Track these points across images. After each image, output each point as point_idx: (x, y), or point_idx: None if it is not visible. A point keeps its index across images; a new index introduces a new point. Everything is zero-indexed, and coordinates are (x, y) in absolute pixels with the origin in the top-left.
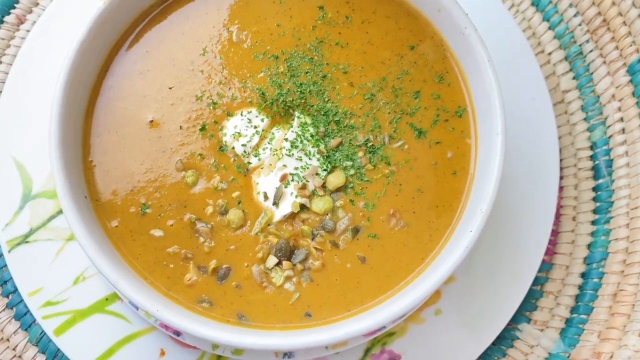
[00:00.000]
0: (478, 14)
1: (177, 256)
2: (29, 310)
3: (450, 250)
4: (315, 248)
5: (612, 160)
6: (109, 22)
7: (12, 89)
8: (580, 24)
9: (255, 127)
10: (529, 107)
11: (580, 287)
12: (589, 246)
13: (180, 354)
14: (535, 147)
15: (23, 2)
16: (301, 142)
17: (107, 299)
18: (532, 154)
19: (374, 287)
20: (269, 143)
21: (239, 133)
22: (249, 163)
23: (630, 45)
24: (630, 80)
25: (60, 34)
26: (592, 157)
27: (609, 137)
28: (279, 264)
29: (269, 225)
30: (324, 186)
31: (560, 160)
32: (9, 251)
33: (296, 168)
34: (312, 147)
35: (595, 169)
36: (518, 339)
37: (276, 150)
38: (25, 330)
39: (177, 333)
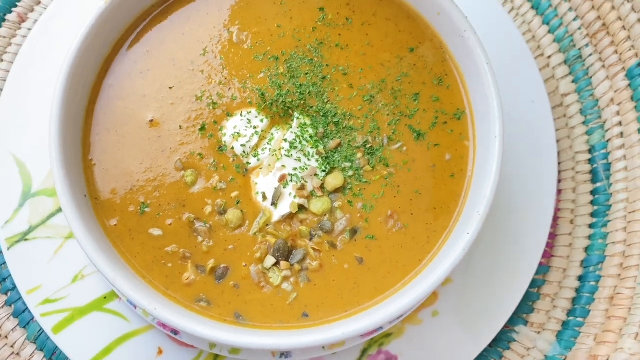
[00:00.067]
0: (478, 17)
1: (175, 255)
2: (27, 308)
3: (448, 252)
4: (313, 249)
5: (610, 163)
6: (110, 21)
7: (13, 87)
8: (579, 28)
9: (255, 127)
10: (528, 110)
11: (577, 290)
12: (587, 249)
13: (177, 352)
14: (534, 150)
15: (25, 0)
16: (300, 143)
17: (105, 297)
18: (530, 157)
19: (371, 288)
20: (268, 143)
21: (238, 133)
22: (248, 163)
23: (630, 50)
24: (629, 85)
25: (61, 33)
26: (590, 161)
27: (608, 141)
28: (276, 264)
29: (267, 225)
30: (322, 187)
31: (559, 163)
32: (8, 248)
33: (295, 169)
34: (311, 148)
35: (593, 172)
36: (515, 341)
37: (275, 151)
38: (24, 327)
39: (175, 332)
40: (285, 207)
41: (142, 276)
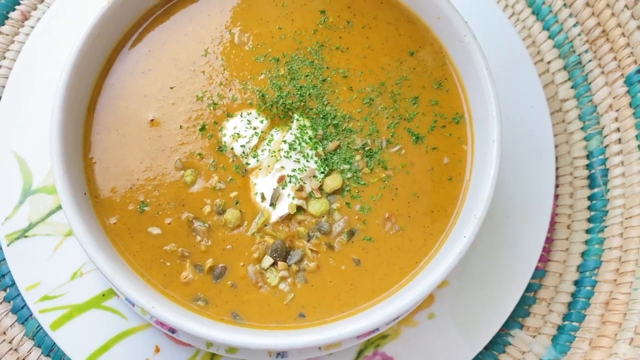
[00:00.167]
0: (478, 21)
1: (174, 254)
2: (26, 304)
3: (444, 255)
4: (311, 249)
5: (607, 169)
6: (112, 21)
7: (15, 85)
8: (579, 34)
9: (255, 128)
10: (527, 115)
11: (573, 295)
12: (583, 254)
13: (174, 351)
14: (532, 154)
15: None
16: (299, 144)
17: (103, 295)
18: (529, 162)
19: (367, 290)
20: (267, 144)
21: (238, 134)
22: (247, 164)
23: (629, 57)
24: (628, 91)
25: (63, 31)
26: (588, 166)
27: (606, 147)
28: (274, 264)
29: (265, 225)
30: (320, 188)
31: (557, 168)
32: (8, 245)
33: (294, 170)
34: (310, 149)
35: (591, 178)
36: (510, 344)
37: (274, 152)
38: (22, 324)
39: (172, 330)
40: (284, 208)
41: (141, 274)
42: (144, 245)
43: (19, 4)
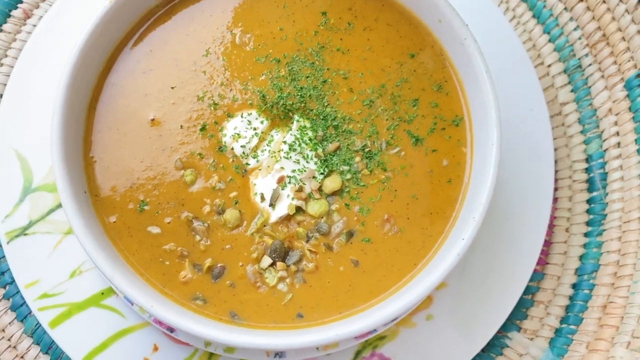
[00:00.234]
0: (479, 24)
1: (173, 253)
2: (25, 302)
3: (443, 257)
4: (310, 250)
5: (606, 173)
6: (114, 20)
7: (17, 83)
8: (580, 38)
9: (255, 129)
10: (527, 118)
11: (571, 298)
12: (581, 258)
13: (173, 350)
14: (532, 157)
15: None
16: (299, 145)
17: (102, 293)
18: (528, 165)
19: (366, 291)
20: (267, 145)
21: (238, 134)
22: (247, 164)
23: (629, 61)
24: (627, 95)
25: (66, 30)
26: (587, 170)
27: (605, 151)
28: (273, 264)
29: (264, 226)
30: (320, 189)
31: (556, 171)
32: (8, 242)
33: (293, 171)
34: (310, 150)
35: (590, 181)
36: (507, 347)
37: (274, 153)
38: (21, 321)
39: (171, 329)
40: (283, 208)
41: (140, 273)
42: (143, 244)
43: (22, 2)
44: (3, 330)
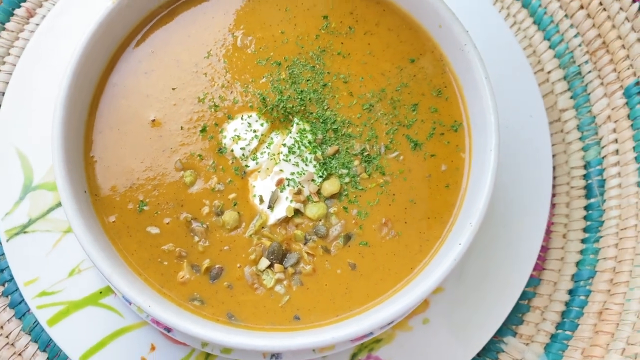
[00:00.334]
0: (479, 30)
1: (171, 254)
2: (23, 300)
3: (439, 262)
4: (307, 253)
5: (604, 180)
6: (117, 21)
7: (19, 82)
8: (580, 45)
9: (255, 131)
10: (526, 124)
11: (567, 304)
12: (578, 264)
13: (170, 349)
14: (530, 163)
15: None
16: (299, 148)
17: (101, 292)
18: (526, 171)
19: (362, 294)
20: (267, 147)
21: (238, 136)
22: (246, 166)
23: (628, 69)
24: (626, 103)
25: (68, 29)
26: (585, 177)
27: (603, 158)
28: (270, 266)
29: (263, 228)
30: (318, 192)
31: (554, 177)
32: (7, 240)
33: (292, 173)
34: (309, 153)
35: (587, 188)
36: (503, 351)
37: (274, 155)
38: (19, 318)
39: (168, 329)
40: (282, 210)
41: (138, 273)
42: (142, 244)
43: (25, 0)
44: (1, 327)
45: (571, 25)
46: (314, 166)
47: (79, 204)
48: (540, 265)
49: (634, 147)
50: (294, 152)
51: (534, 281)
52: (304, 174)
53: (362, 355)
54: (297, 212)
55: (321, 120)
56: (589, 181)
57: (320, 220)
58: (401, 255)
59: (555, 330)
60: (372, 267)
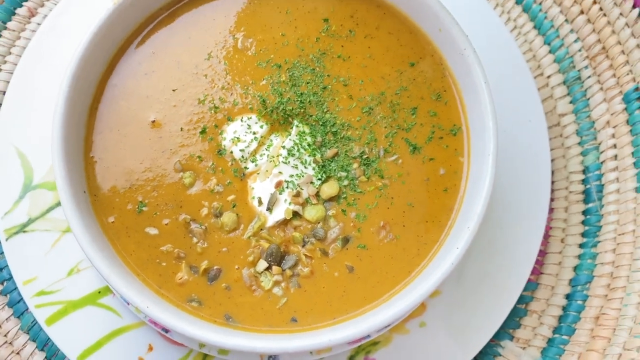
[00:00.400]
0: (479, 34)
1: (170, 255)
2: (22, 298)
3: (437, 265)
4: (305, 255)
5: (603, 185)
6: (117, 22)
7: (20, 81)
8: (580, 50)
9: (254, 133)
10: (525, 129)
11: (564, 308)
12: (575, 268)
13: (167, 350)
14: (529, 167)
15: None
16: (298, 150)
17: (99, 292)
18: (525, 175)
19: (360, 297)
20: (266, 149)
21: (238, 138)
22: (245, 168)
23: (627, 74)
24: (625, 108)
25: (69, 29)
26: (583, 181)
27: (602, 163)
28: (268, 268)
29: (261, 230)
30: (317, 195)
31: (553, 182)
32: (7, 239)
33: (291, 176)
34: (309, 156)
35: (586, 193)
36: (500, 355)
37: (273, 157)
38: (18, 317)
39: (166, 329)
40: (280, 212)
41: (136, 274)
42: (140, 245)
43: (27, 0)
44: (0, 326)
45: (571, 30)
46: (313, 169)
47: (78, 204)
48: (538, 270)
49: (632, 153)
50: (293, 155)
51: (531, 285)
52: (303, 176)
53: (359, 358)
54: (295, 214)
55: (321, 123)
56: (588, 186)
57: (318, 222)
58: (399, 259)
59: (552, 334)
60: (370, 270)
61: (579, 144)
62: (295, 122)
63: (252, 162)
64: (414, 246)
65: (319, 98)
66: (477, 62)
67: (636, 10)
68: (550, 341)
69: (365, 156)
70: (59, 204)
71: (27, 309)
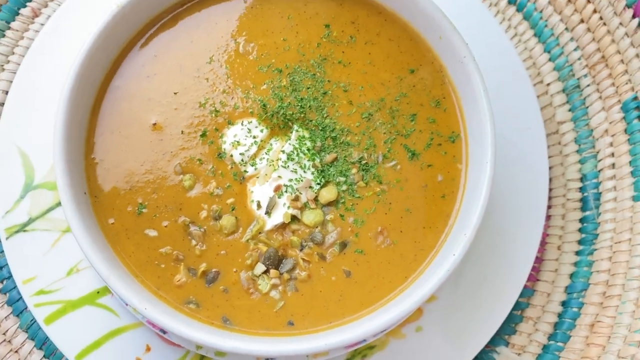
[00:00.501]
0: (480, 41)
1: (168, 257)
2: (21, 297)
3: (434, 271)
4: (303, 259)
5: (600, 193)
6: (120, 24)
7: (23, 81)
8: (579, 58)
9: (254, 137)
10: (524, 136)
11: (560, 315)
12: (571, 276)
13: (165, 350)
14: (527, 175)
15: None
16: (297, 155)
17: (98, 292)
18: (523, 182)
19: (356, 301)
20: (266, 153)
21: (238, 142)
22: (245, 171)
23: (626, 84)
24: (624, 117)
25: (73, 31)
26: (581, 189)
27: (599, 171)
28: (266, 271)
29: (259, 233)
30: (316, 199)
31: (550, 189)
32: (7, 238)
33: (290, 180)
34: (308, 160)
35: (583, 200)
36: None
37: (273, 161)
38: (17, 316)
39: (164, 330)
40: (279, 216)
41: (135, 275)
42: (140, 247)
43: (31, 0)
44: None
45: (571, 39)
46: (312, 173)
47: (79, 206)
48: (534, 276)
49: (630, 162)
50: (292, 159)
51: (527, 292)
52: (301, 180)
53: None
54: (294, 218)
55: (320, 128)
56: (585, 194)
57: (316, 227)
58: (396, 264)
59: (547, 341)
60: (367, 275)
61: (577, 151)
62: (295, 127)
63: (252, 165)
64: (411, 252)
65: (319, 103)
66: (477, 71)
67: (636, 20)
68: (545, 348)
69: (364, 162)
70: (59, 204)
71: (26, 308)
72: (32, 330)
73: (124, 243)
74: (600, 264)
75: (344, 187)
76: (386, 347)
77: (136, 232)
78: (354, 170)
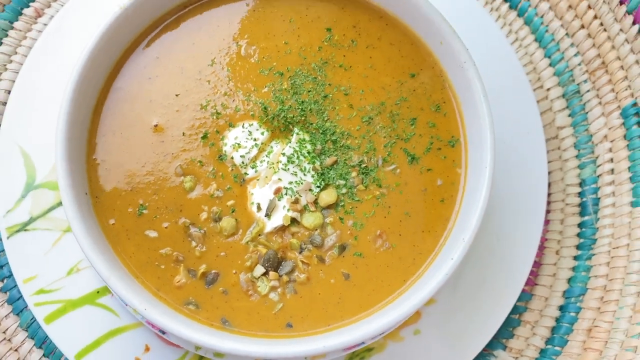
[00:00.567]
0: (481, 46)
1: (168, 258)
2: (22, 296)
3: (432, 275)
4: (302, 261)
5: (599, 199)
6: (123, 26)
7: (25, 81)
8: (579, 64)
9: (255, 139)
10: (523, 140)
11: (557, 320)
12: (569, 280)
13: (164, 351)
14: (526, 179)
15: None
16: (298, 157)
17: (98, 292)
18: (522, 187)
19: (355, 304)
20: (266, 156)
21: (238, 144)
22: (245, 174)
23: (626, 90)
24: (623, 123)
25: (76, 31)
26: (580, 194)
27: (598, 176)
28: (265, 273)
29: (259, 235)
30: (315, 202)
31: (549, 194)
32: (8, 237)
33: (290, 182)
34: (308, 163)
35: (582, 205)
36: None
37: (273, 164)
38: (17, 315)
39: (163, 331)
40: (278, 219)
41: (135, 276)
42: (140, 248)
43: (34, 0)
44: None
45: (572, 44)
46: (312, 176)
47: (80, 206)
48: (532, 281)
49: (629, 167)
50: (292, 162)
51: (525, 296)
52: (301, 183)
53: None
54: (293, 221)
55: (321, 131)
56: (584, 199)
57: (316, 229)
58: (394, 267)
59: (544, 345)
60: (366, 278)
61: (577, 157)
62: (296, 130)
63: (252, 168)
64: (409, 255)
65: (320, 106)
66: (477, 76)
67: (636, 27)
68: (542, 352)
69: (364, 165)
70: (60, 203)
71: (26, 307)
72: (32, 329)
73: (125, 244)
74: (598, 269)
75: (344, 190)
76: (384, 349)
77: (137, 233)
78: (353, 174)
